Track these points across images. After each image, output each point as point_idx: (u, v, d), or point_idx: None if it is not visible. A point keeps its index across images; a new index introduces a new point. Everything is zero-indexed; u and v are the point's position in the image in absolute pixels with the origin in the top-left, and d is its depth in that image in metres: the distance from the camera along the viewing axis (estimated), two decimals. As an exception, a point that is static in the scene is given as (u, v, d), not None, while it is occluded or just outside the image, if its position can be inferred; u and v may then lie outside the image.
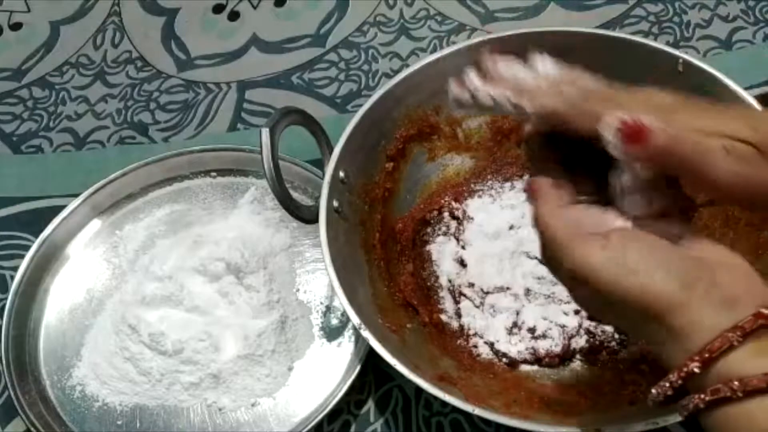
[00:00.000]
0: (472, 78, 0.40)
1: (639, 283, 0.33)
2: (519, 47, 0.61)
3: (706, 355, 0.31)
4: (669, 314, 0.33)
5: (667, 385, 0.33)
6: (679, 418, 0.44)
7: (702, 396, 0.32)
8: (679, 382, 0.32)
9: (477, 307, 0.59)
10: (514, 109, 0.38)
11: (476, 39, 0.63)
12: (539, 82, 0.38)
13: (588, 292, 0.35)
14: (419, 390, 0.54)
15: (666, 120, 0.34)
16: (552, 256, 0.37)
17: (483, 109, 0.40)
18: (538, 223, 0.38)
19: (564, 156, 0.40)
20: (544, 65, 0.39)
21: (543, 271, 0.59)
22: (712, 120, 0.34)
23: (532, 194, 0.39)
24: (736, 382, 0.30)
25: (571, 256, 0.35)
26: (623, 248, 0.34)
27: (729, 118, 0.35)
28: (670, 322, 0.33)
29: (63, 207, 0.69)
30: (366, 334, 0.49)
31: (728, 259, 0.35)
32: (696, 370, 0.32)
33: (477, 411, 0.46)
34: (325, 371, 0.59)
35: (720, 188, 0.34)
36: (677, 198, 0.37)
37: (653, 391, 0.34)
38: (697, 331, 0.32)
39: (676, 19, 0.78)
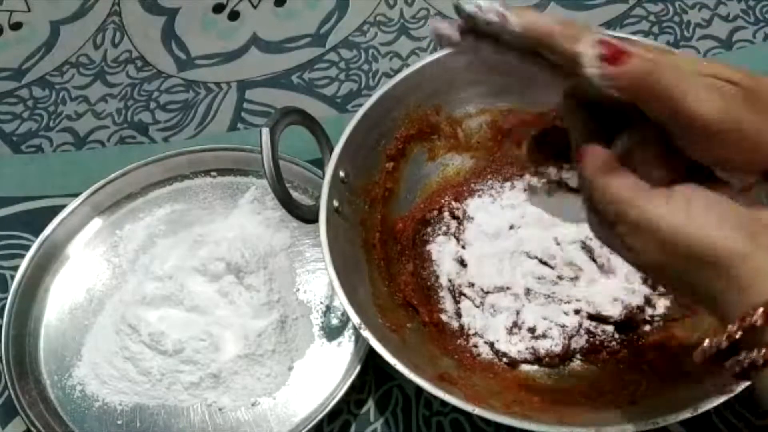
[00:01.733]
0: None
1: (705, 231, 0.33)
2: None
3: None
4: (733, 264, 0.32)
5: (724, 337, 0.32)
6: (680, 418, 0.44)
7: (763, 352, 0.30)
8: (739, 333, 0.31)
9: (477, 306, 0.59)
10: (497, 18, 0.37)
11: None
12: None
13: (651, 244, 0.34)
14: (419, 390, 0.54)
15: (653, 53, 0.33)
16: (609, 213, 0.36)
17: (466, 16, 0.39)
18: (590, 185, 0.37)
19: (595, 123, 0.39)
20: None
21: (543, 271, 0.59)
22: (699, 62, 0.34)
23: (581, 156, 0.38)
24: None
25: (636, 207, 0.34)
26: (688, 200, 0.34)
27: (719, 64, 0.34)
28: (733, 272, 0.32)
29: (63, 207, 0.69)
30: (366, 333, 0.49)
31: None
32: (759, 322, 0.31)
33: (477, 411, 0.46)
34: (325, 371, 0.59)
35: (702, 124, 0.33)
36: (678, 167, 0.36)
37: (706, 343, 0.33)
38: (761, 281, 0.31)
39: (676, 18, 0.78)
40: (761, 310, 0.31)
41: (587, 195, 0.38)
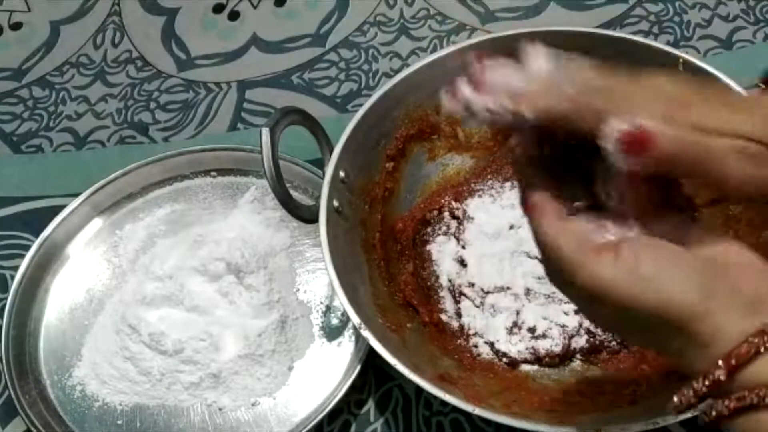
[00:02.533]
0: (463, 89, 0.38)
1: (657, 295, 0.32)
2: (519, 47, 0.62)
3: (733, 362, 0.30)
4: (691, 323, 0.32)
5: (691, 393, 0.32)
6: (680, 418, 0.44)
7: (727, 403, 0.31)
8: (704, 389, 0.31)
9: (477, 306, 0.59)
10: (513, 117, 0.36)
11: (476, 39, 0.63)
12: (534, 83, 0.36)
13: (603, 309, 0.34)
14: (419, 390, 0.54)
15: (676, 116, 0.32)
16: (560, 274, 0.36)
17: (480, 120, 0.37)
18: (540, 240, 0.37)
19: (549, 158, 0.38)
20: (538, 62, 0.37)
21: (543, 270, 0.59)
22: (727, 116, 0.32)
23: (529, 210, 0.37)
24: (763, 389, 0.30)
25: (582, 272, 0.34)
26: (636, 259, 0.33)
27: (745, 114, 0.33)
28: (693, 330, 0.32)
29: (63, 207, 0.69)
30: (366, 333, 0.49)
31: (739, 258, 0.34)
32: (722, 377, 0.31)
33: (477, 411, 0.46)
34: (325, 371, 0.59)
35: (730, 190, 0.33)
36: (674, 197, 0.36)
37: (675, 399, 0.33)
38: (721, 337, 0.31)
39: (676, 18, 0.78)
40: (722, 365, 0.31)
41: (539, 247, 0.37)
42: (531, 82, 0.36)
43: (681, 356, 0.33)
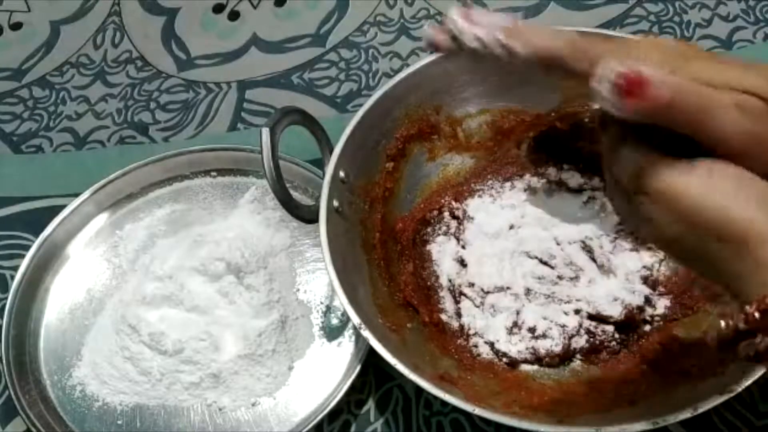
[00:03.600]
0: (456, 18, 0.36)
1: (727, 207, 0.31)
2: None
3: None
4: (755, 244, 0.31)
5: (743, 316, 0.31)
6: (680, 418, 0.44)
7: None
8: (756, 314, 0.30)
9: (477, 306, 0.59)
10: (502, 51, 0.35)
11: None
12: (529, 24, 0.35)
13: (671, 215, 0.33)
14: (419, 390, 0.54)
15: (674, 67, 0.31)
16: (631, 182, 0.34)
17: (463, 52, 0.36)
18: (613, 151, 0.35)
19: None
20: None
21: (543, 271, 0.59)
22: (726, 72, 0.32)
23: (604, 128, 0.36)
24: None
25: (658, 176, 0.33)
26: (710, 171, 0.32)
27: (745, 72, 0.32)
28: (754, 253, 0.31)
29: (63, 207, 0.69)
30: (366, 333, 0.49)
31: None
32: None
33: (477, 411, 0.46)
34: (325, 371, 0.59)
35: (727, 145, 0.32)
36: None
37: (722, 323, 0.32)
38: None
39: (676, 18, 0.78)
40: None
41: (609, 164, 0.36)
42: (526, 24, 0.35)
43: (734, 281, 0.32)
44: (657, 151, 0.34)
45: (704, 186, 0.32)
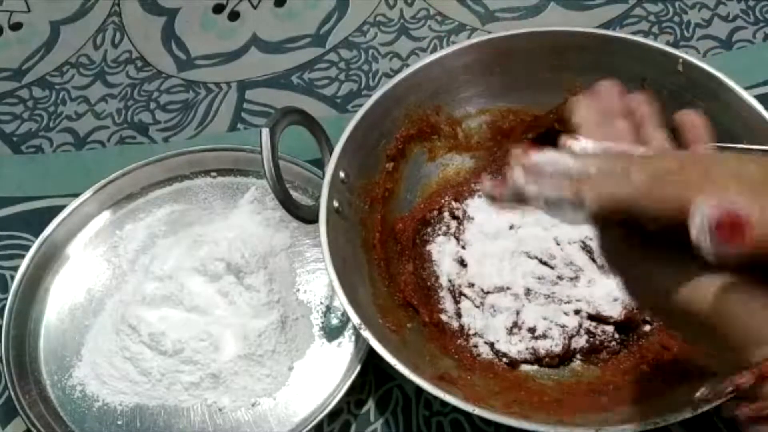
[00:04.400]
0: (518, 175, 0.33)
1: (743, 332, 0.31)
2: (519, 47, 0.62)
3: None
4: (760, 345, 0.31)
5: (742, 380, 0.31)
6: (680, 418, 0.44)
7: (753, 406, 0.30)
8: (739, 383, 0.31)
9: (477, 307, 0.59)
10: (571, 206, 0.32)
11: (476, 39, 0.63)
12: (589, 164, 0.32)
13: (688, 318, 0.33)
14: (419, 390, 0.54)
15: (759, 201, 0.29)
16: (663, 300, 0.33)
17: (533, 207, 0.34)
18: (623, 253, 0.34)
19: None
20: (581, 143, 0.33)
21: (543, 271, 0.59)
22: None
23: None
24: None
25: (699, 297, 0.32)
26: (726, 296, 0.31)
27: None
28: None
29: (63, 207, 0.69)
30: (366, 334, 0.49)
31: None
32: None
33: (477, 411, 0.46)
34: (325, 371, 0.59)
35: None
36: None
37: (704, 389, 0.32)
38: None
39: (676, 18, 0.78)
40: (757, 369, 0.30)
41: (619, 266, 0.35)
42: (585, 163, 0.32)
43: (743, 349, 0.32)
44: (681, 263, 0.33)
45: (725, 303, 0.31)
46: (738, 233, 0.28)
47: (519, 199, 0.34)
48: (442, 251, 0.62)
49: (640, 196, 0.31)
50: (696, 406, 0.32)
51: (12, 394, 0.59)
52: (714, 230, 0.29)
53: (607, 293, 0.57)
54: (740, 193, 0.29)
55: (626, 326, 0.56)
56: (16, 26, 0.93)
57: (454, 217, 0.63)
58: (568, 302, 0.57)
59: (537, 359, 0.56)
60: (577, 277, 0.58)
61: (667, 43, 0.75)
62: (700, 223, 0.29)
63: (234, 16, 0.89)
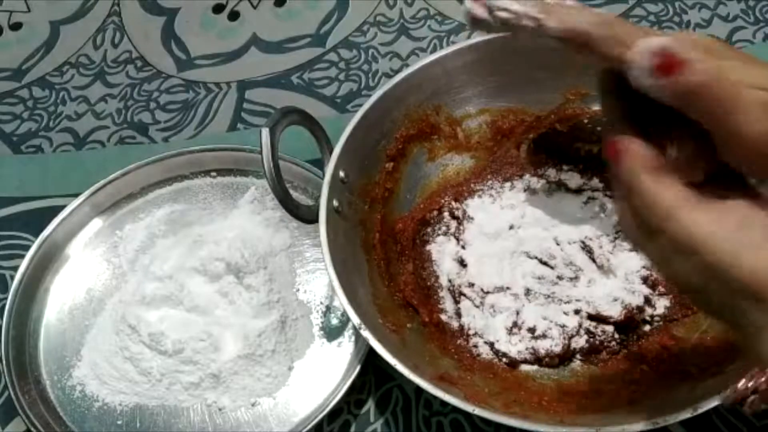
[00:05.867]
0: None
1: (756, 263, 0.30)
2: (519, 47, 0.62)
3: None
4: None
5: (751, 383, 0.31)
6: (680, 418, 0.44)
7: None
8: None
9: (477, 307, 0.59)
10: (534, 24, 0.34)
11: (476, 39, 0.63)
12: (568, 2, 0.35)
13: (685, 264, 0.32)
14: (419, 390, 0.54)
15: (709, 55, 0.31)
16: (652, 223, 0.33)
17: (499, 27, 0.36)
18: (631, 186, 0.33)
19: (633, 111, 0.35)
20: None
21: (543, 271, 0.59)
22: (757, 72, 0.31)
23: (615, 155, 0.34)
24: None
25: (677, 222, 0.31)
26: (742, 222, 0.31)
27: None
28: None
29: (63, 207, 0.69)
30: (366, 334, 0.49)
31: None
32: None
33: (477, 411, 0.46)
34: (325, 371, 0.59)
35: (744, 145, 0.31)
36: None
37: (740, 384, 0.31)
38: None
39: (676, 18, 0.78)
40: None
41: (624, 195, 0.34)
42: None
43: (756, 338, 0.31)
44: (682, 183, 0.33)
45: (734, 242, 0.30)
46: (675, 67, 0.30)
47: (492, 16, 0.36)
48: (442, 251, 0.62)
49: (596, 32, 0.33)
50: (728, 404, 0.32)
51: (12, 394, 0.59)
52: (653, 64, 0.31)
53: (607, 293, 0.57)
54: (691, 44, 0.31)
55: (626, 326, 0.56)
56: (16, 26, 0.93)
57: (454, 217, 0.63)
58: (568, 302, 0.57)
59: (537, 359, 0.56)
60: (577, 277, 0.58)
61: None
62: (639, 59, 0.31)
63: (234, 16, 0.89)
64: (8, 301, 0.63)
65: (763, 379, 0.30)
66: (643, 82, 0.32)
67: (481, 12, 0.37)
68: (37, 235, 0.67)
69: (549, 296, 0.58)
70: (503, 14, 0.36)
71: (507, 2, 0.36)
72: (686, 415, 0.44)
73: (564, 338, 0.56)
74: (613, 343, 0.56)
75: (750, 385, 0.31)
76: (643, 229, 0.34)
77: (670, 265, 0.34)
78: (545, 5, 0.35)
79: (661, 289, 0.57)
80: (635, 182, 0.33)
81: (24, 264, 0.65)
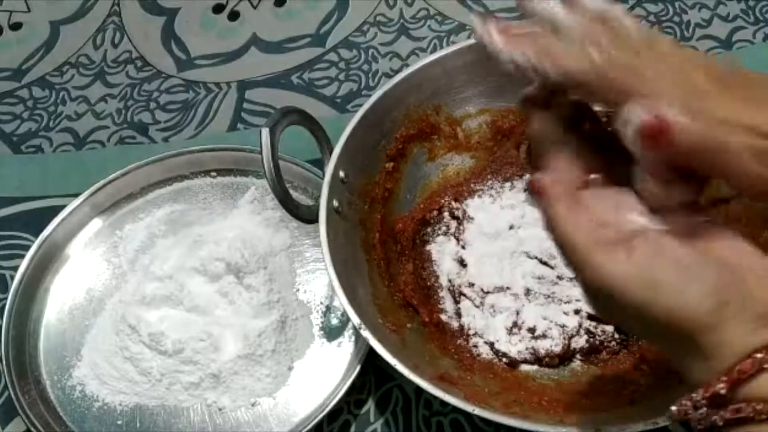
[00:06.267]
0: (494, 37, 0.37)
1: (669, 302, 0.31)
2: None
3: (735, 377, 0.30)
4: (699, 333, 0.31)
5: (689, 403, 0.31)
6: (676, 427, 0.44)
7: (722, 414, 0.30)
8: (703, 401, 0.31)
9: (477, 306, 0.59)
10: (535, 75, 0.35)
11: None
12: (567, 38, 0.34)
13: (610, 304, 0.33)
14: (419, 390, 0.54)
15: (695, 105, 0.31)
16: (570, 264, 0.34)
17: (502, 66, 0.36)
18: (551, 227, 0.35)
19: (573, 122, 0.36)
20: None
21: (543, 270, 0.59)
22: (746, 108, 0.31)
23: (537, 194, 0.35)
24: (760, 405, 0.29)
25: (592, 267, 0.32)
26: (651, 260, 0.31)
27: (760, 108, 0.31)
28: (699, 341, 0.31)
29: (63, 207, 0.69)
30: (366, 334, 0.49)
31: (751, 262, 0.32)
32: (722, 391, 0.30)
33: (477, 411, 0.46)
34: (325, 371, 0.59)
35: (747, 189, 0.32)
36: (698, 191, 0.34)
37: (674, 408, 0.32)
38: (727, 351, 0.31)
39: (676, 18, 0.78)
40: (725, 379, 0.30)
41: (548, 233, 0.35)
42: (565, 37, 0.35)
43: (684, 363, 0.33)
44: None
45: (643, 277, 0.31)
46: (661, 137, 0.30)
47: (494, 56, 0.36)
48: (442, 251, 0.62)
49: (593, 81, 0.33)
50: (673, 423, 0.33)
51: (12, 394, 0.59)
52: (640, 131, 0.31)
53: (607, 293, 0.57)
54: (677, 97, 0.31)
55: (626, 326, 0.56)
56: (16, 26, 0.93)
57: (453, 217, 0.63)
58: (567, 302, 0.57)
59: (537, 359, 0.56)
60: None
61: (667, 43, 0.75)
62: (627, 120, 0.31)
63: (234, 16, 0.89)
64: (8, 301, 0.63)
65: (689, 402, 0.32)
66: (634, 149, 0.32)
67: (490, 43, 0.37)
68: (37, 235, 0.67)
69: (549, 296, 0.58)
70: (507, 65, 0.36)
71: (508, 50, 0.36)
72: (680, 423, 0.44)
73: (564, 338, 0.56)
74: (613, 343, 0.56)
75: (679, 408, 0.32)
76: (569, 266, 0.35)
77: (595, 304, 0.35)
78: (544, 51, 0.35)
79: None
80: (552, 222, 0.34)
81: (24, 264, 0.65)
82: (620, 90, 0.32)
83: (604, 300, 0.33)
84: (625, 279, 0.32)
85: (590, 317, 0.56)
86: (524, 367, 0.56)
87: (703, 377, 0.32)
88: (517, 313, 0.57)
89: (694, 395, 0.32)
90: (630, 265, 0.32)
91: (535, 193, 0.35)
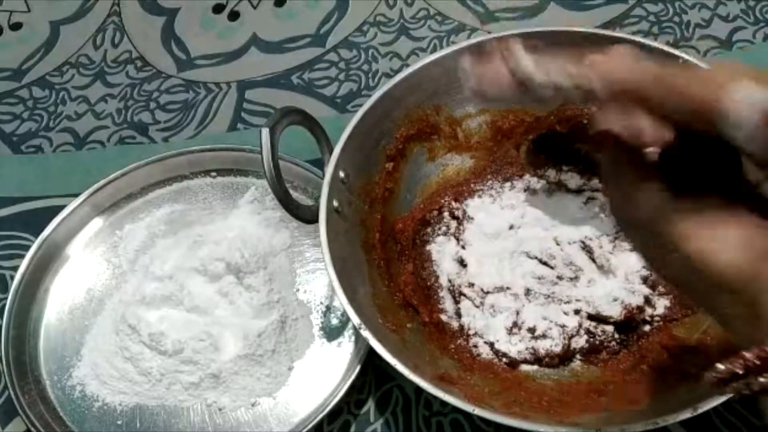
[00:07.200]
0: (521, 57, 0.32)
1: (735, 258, 0.31)
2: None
3: None
4: (758, 293, 0.31)
5: (741, 362, 0.31)
6: (680, 418, 0.44)
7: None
8: (756, 361, 0.30)
9: (477, 307, 0.59)
10: (577, 92, 0.31)
11: (476, 39, 0.63)
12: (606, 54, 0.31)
13: (671, 259, 0.33)
14: (419, 390, 0.54)
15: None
16: (651, 224, 0.33)
17: (537, 97, 0.32)
18: (652, 228, 0.34)
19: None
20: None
21: (543, 271, 0.59)
22: None
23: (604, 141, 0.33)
24: None
25: (688, 236, 0.32)
26: (719, 223, 0.32)
27: None
28: (756, 300, 0.31)
29: (63, 207, 0.69)
30: (366, 334, 0.49)
31: None
32: None
33: (477, 411, 0.46)
34: (325, 371, 0.59)
35: None
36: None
37: (720, 367, 0.31)
38: None
39: (676, 18, 0.78)
40: None
41: (612, 191, 0.35)
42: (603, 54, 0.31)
43: (729, 323, 0.33)
44: (675, 192, 0.33)
45: (716, 242, 0.32)
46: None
47: (524, 86, 0.32)
48: (441, 251, 0.62)
49: (649, 87, 0.30)
50: (717, 388, 0.32)
51: (12, 394, 0.59)
52: (760, 117, 0.27)
53: (607, 293, 0.57)
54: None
55: (626, 326, 0.56)
56: (16, 26, 0.93)
57: (454, 217, 0.63)
58: (568, 302, 0.57)
59: (537, 359, 0.56)
60: (576, 277, 0.58)
61: (667, 43, 0.75)
62: (746, 104, 0.27)
63: (234, 16, 0.89)
64: (8, 301, 0.63)
65: (739, 362, 0.31)
66: (747, 142, 0.29)
67: (497, 85, 0.33)
68: (37, 235, 0.67)
69: (549, 296, 0.58)
70: (543, 92, 0.32)
71: (543, 71, 0.31)
72: (686, 415, 0.44)
73: (564, 338, 0.56)
74: (613, 343, 0.56)
75: (727, 367, 0.32)
76: (627, 222, 0.35)
77: (653, 256, 0.35)
78: (583, 63, 0.31)
79: (661, 289, 0.57)
80: (657, 227, 0.33)
81: (24, 264, 0.65)
82: (697, 87, 0.29)
83: (666, 253, 0.33)
84: (695, 235, 0.32)
85: (590, 317, 0.56)
86: (524, 367, 0.56)
87: (756, 336, 0.31)
88: (517, 313, 0.57)
89: (746, 354, 0.31)
90: (701, 225, 0.32)
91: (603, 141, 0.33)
